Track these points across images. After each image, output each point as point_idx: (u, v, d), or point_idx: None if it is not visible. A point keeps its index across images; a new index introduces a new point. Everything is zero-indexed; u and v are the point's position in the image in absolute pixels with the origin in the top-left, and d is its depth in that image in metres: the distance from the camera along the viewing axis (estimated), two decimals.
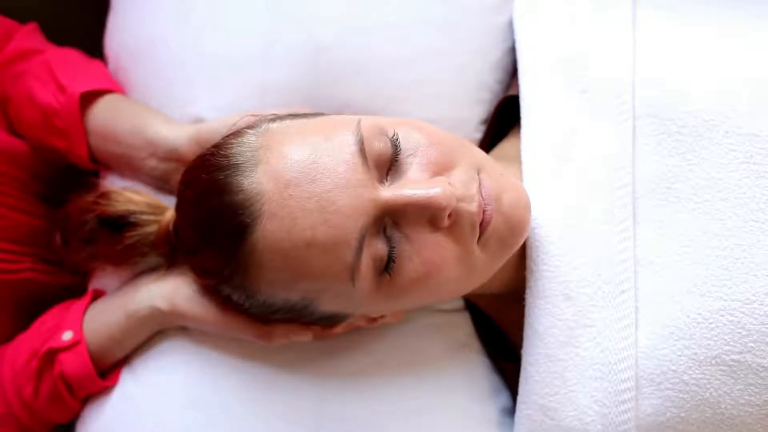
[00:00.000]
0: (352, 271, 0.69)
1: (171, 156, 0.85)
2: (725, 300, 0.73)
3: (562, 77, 0.82)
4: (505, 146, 0.89)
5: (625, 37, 0.83)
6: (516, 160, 0.84)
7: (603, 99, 0.81)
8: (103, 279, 0.88)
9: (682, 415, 0.74)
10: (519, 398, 0.81)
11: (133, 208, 0.83)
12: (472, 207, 0.70)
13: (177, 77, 0.89)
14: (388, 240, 0.69)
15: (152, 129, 0.85)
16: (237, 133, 0.75)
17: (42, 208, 0.91)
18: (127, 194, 0.84)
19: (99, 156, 0.88)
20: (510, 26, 0.90)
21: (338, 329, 0.80)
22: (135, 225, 0.82)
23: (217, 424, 0.81)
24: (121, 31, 0.93)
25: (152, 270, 0.85)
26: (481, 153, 0.77)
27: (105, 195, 0.84)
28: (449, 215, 0.69)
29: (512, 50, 0.90)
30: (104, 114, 0.87)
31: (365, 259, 0.69)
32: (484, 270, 0.75)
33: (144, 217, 0.83)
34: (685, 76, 0.79)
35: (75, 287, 0.91)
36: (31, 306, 0.88)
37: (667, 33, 0.83)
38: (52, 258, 0.86)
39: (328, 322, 0.79)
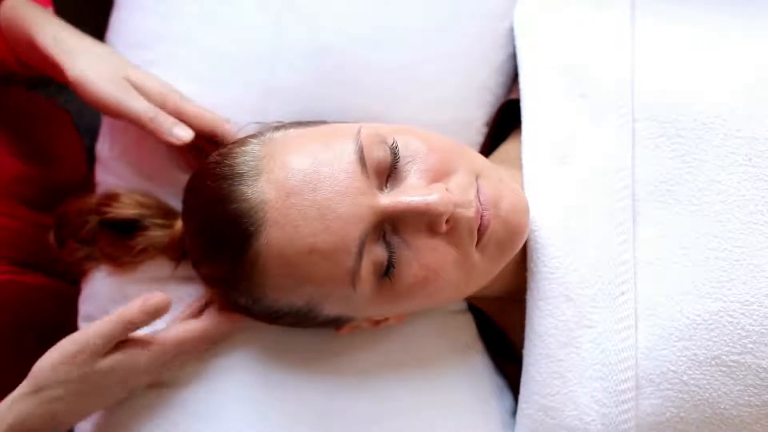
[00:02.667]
0: (353, 277, 0.70)
1: None
2: (724, 301, 0.73)
3: (563, 81, 0.83)
4: (505, 149, 0.89)
5: (624, 41, 0.83)
6: (517, 162, 0.84)
7: (602, 102, 0.81)
8: (98, 282, 0.88)
9: (682, 415, 0.74)
10: (520, 398, 0.82)
11: (144, 212, 0.83)
12: (470, 212, 0.71)
13: (179, 74, 0.89)
14: (388, 245, 0.71)
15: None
16: (241, 142, 0.76)
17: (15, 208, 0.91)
18: (136, 197, 0.84)
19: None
20: (512, 32, 0.90)
21: (343, 331, 0.82)
22: (145, 229, 0.83)
23: (224, 423, 0.82)
24: (124, 27, 0.92)
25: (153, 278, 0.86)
26: (481, 158, 0.78)
27: (114, 197, 0.84)
28: (447, 221, 0.70)
29: (514, 55, 0.91)
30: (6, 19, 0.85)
31: (366, 264, 0.70)
32: (483, 274, 0.76)
33: (154, 221, 0.83)
34: (684, 79, 0.80)
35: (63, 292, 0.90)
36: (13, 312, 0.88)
37: (665, 36, 0.83)
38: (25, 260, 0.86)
39: (333, 325, 0.80)
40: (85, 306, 0.88)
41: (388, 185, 0.72)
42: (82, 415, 0.79)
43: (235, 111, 0.86)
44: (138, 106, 0.80)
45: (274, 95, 0.87)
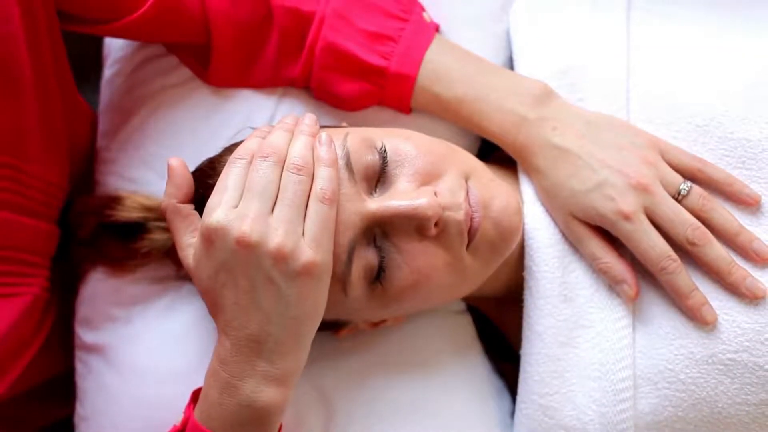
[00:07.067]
0: (344, 283, 0.71)
1: None
2: (720, 300, 0.74)
3: (560, 85, 0.83)
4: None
5: (619, 43, 0.84)
6: (515, 162, 0.85)
7: (600, 106, 0.82)
8: (96, 284, 0.88)
9: (680, 413, 0.75)
10: (518, 398, 0.83)
11: (147, 215, 0.83)
12: (459, 215, 0.71)
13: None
14: (378, 250, 0.71)
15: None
16: (230, 150, 0.77)
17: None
18: (140, 199, 0.84)
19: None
20: (509, 34, 0.91)
21: (341, 334, 0.83)
22: (148, 232, 0.83)
23: None
24: None
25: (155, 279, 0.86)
26: (472, 159, 0.78)
27: (117, 200, 0.84)
28: (436, 224, 0.71)
29: (512, 58, 0.90)
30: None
31: (356, 270, 0.71)
32: (476, 275, 0.76)
33: (157, 223, 0.83)
34: (680, 80, 0.80)
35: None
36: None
37: (661, 40, 0.84)
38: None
39: (332, 328, 0.81)
40: (82, 308, 0.88)
41: (377, 190, 0.72)
42: None
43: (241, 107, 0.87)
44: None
45: (285, 102, 0.88)
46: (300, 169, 0.68)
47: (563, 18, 0.87)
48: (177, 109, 0.88)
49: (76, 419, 0.87)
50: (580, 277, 0.79)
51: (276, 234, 0.65)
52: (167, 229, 0.81)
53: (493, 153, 0.89)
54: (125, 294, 0.86)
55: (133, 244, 0.84)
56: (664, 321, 0.76)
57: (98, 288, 0.87)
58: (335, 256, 0.69)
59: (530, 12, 0.89)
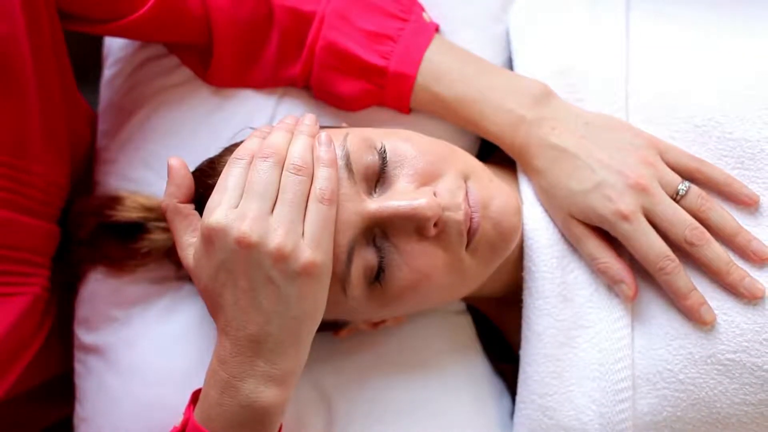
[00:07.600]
0: (344, 283, 0.71)
1: None
2: (719, 300, 0.74)
3: (559, 85, 0.83)
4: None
5: (619, 43, 0.84)
6: (515, 163, 0.85)
7: (599, 106, 0.82)
8: (95, 284, 0.88)
9: (679, 414, 0.75)
10: (518, 398, 0.83)
11: (147, 215, 0.84)
12: (458, 215, 0.71)
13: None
14: (378, 250, 0.72)
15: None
16: (231, 150, 0.77)
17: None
18: (139, 200, 0.84)
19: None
20: (508, 35, 0.91)
21: (341, 334, 0.83)
22: (147, 232, 0.84)
23: None
24: None
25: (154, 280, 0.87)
26: (471, 159, 0.78)
27: (117, 200, 0.84)
28: (436, 224, 0.71)
29: (512, 58, 0.91)
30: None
31: (355, 269, 0.71)
32: (476, 275, 0.77)
33: (157, 224, 0.84)
34: (678, 81, 0.81)
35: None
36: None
37: (660, 40, 0.84)
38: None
39: (332, 328, 0.81)
40: (81, 309, 0.88)
41: (377, 190, 0.73)
42: None
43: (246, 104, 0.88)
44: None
45: (285, 101, 0.89)
46: (300, 170, 0.68)
47: (563, 18, 0.88)
48: (177, 109, 0.88)
49: (76, 420, 0.87)
50: (579, 278, 0.79)
51: (276, 234, 0.66)
52: (167, 229, 0.81)
53: (493, 153, 0.89)
54: (125, 295, 0.86)
55: (132, 245, 0.84)
56: (662, 321, 0.76)
57: (98, 288, 0.87)
58: (335, 256, 0.69)
59: (530, 12, 0.90)
